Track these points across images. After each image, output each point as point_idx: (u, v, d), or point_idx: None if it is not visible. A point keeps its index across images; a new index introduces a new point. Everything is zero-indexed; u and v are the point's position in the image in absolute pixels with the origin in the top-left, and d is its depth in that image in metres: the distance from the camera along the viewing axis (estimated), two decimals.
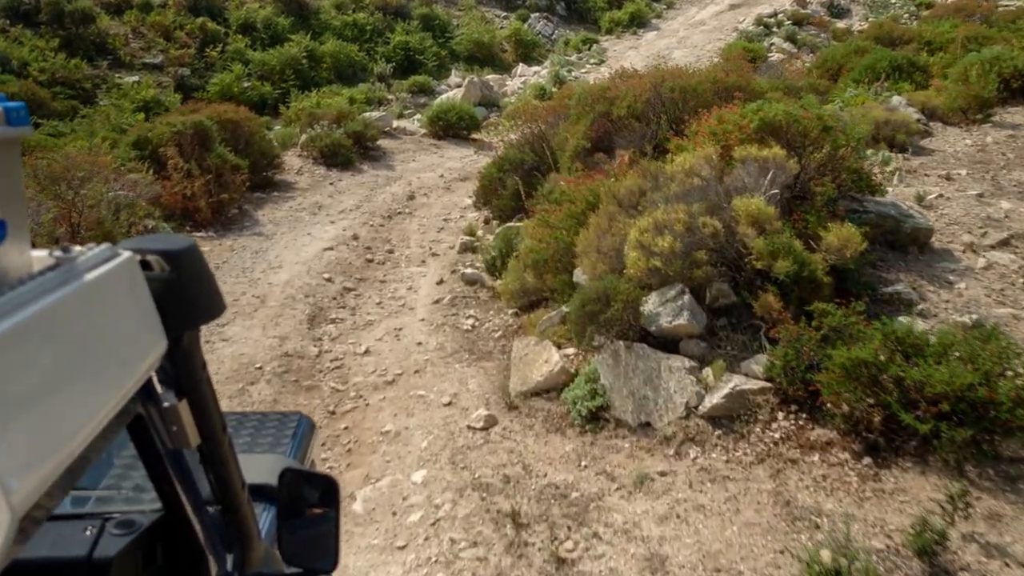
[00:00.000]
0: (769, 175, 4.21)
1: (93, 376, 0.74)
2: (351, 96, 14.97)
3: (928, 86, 9.16)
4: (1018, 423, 3.00)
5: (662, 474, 3.54)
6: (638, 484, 3.50)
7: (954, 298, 4.32)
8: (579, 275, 5.02)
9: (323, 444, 4.60)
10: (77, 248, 0.80)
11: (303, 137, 11.64)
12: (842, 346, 3.37)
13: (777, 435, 3.52)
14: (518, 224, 7.47)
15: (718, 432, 3.67)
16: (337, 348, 5.94)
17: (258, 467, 1.80)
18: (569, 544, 3.20)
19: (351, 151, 11.41)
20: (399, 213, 9.50)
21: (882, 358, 3.28)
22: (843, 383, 3.26)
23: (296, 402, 5.05)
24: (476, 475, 3.93)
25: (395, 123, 13.80)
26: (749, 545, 3.01)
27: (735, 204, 4.06)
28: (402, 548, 3.45)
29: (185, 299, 0.97)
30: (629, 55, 19.30)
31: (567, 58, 19.24)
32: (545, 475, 3.80)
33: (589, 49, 20.40)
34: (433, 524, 3.58)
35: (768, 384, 3.70)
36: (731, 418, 3.69)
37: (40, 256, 0.77)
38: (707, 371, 3.86)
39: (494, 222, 8.43)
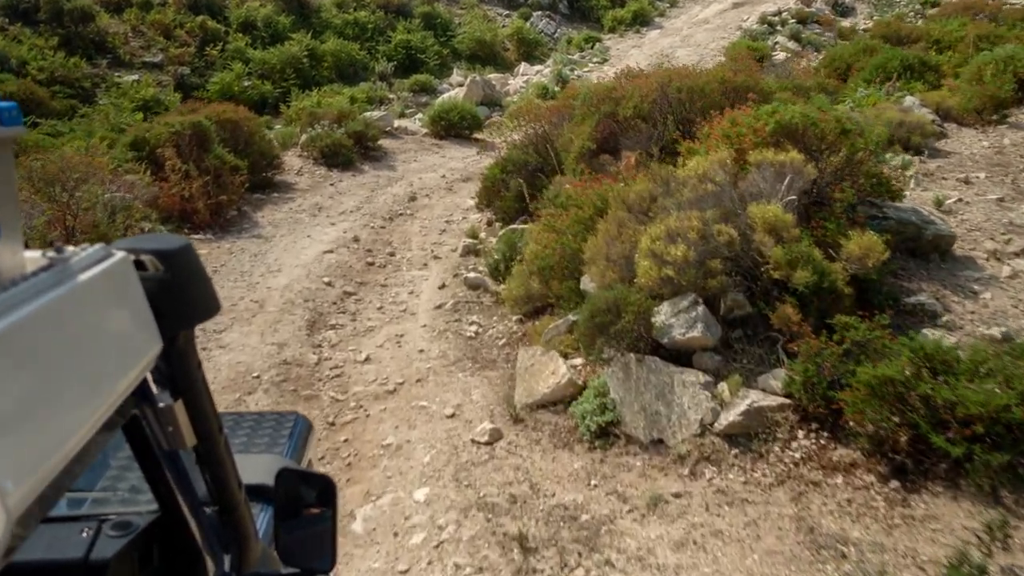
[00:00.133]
0: (786, 180, 4.04)
1: (88, 377, 0.74)
2: (352, 95, 14.80)
3: (940, 86, 8.97)
4: None
5: (676, 496, 3.38)
6: (651, 506, 3.34)
7: (979, 309, 4.14)
8: (586, 282, 4.85)
9: (322, 457, 4.45)
10: (71, 248, 0.79)
11: (303, 137, 11.48)
12: (867, 362, 3.20)
13: (797, 455, 3.35)
14: (522, 227, 7.31)
15: (735, 451, 3.50)
16: (337, 355, 5.78)
17: (255, 467, 1.80)
18: (580, 572, 3.04)
19: (352, 151, 11.25)
20: (400, 215, 9.33)
21: (908, 373, 3.12)
22: (868, 402, 3.09)
23: None
24: (481, 494, 3.77)
25: (396, 123, 13.63)
26: None
27: (751, 211, 3.89)
28: (404, 573, 3.29)
29: (180, 299, 0.96)
30: (632, 54, 19.12)
31: (570, 57, 19.05)
32: (553, 495, 3.64)
33: (592, 48, 20.20)
34: (437, 547, 3.42)
35: (787, 400, 3.53)
36: (748, 436, 3.53)
37: (33, 257, 0.76)
38: (722, 386, 3.70)
39: (497, 224, 8.27)
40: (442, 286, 6.89)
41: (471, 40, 19.66)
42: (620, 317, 3.87)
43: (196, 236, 8.21)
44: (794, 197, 4.00)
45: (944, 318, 3.98)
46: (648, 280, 3.92)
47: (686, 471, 3.51)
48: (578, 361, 4.61)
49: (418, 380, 5.24)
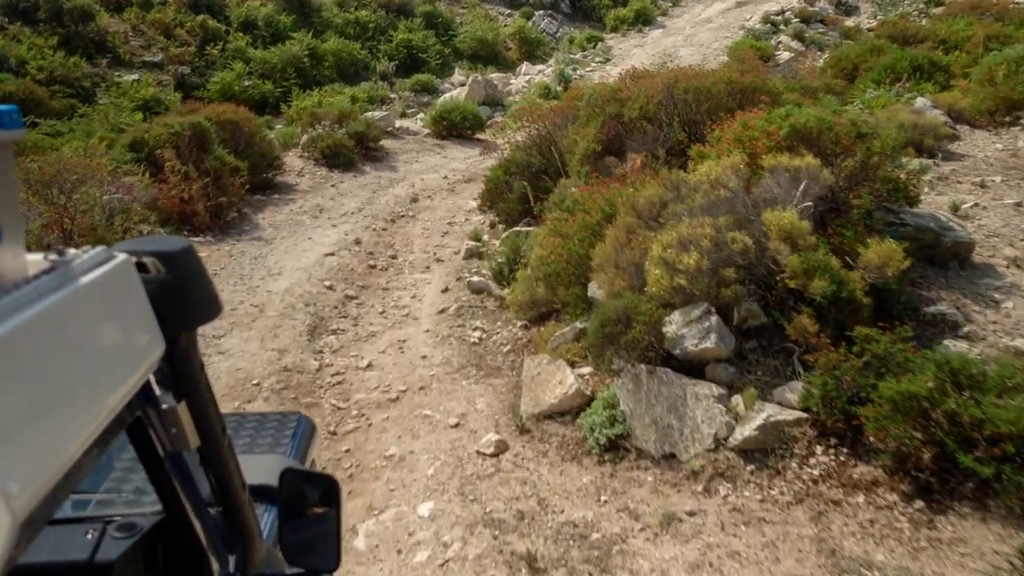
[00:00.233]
0: (801, 186, 3.92)
1: (91, 379, 0.74)
2: (353, 95, 14.69)
3: (950, 87, 8.84)
4: None
5: (691, 514, 3.26)
6: (664, 524, 3.22)
7: (1002, 319, 4.02)
8: (594, 289, 4.73)
9: (323, 468, 4.34)
10: (72, 251, 0.79)
11: (304, 138, 11.37)
12: (888, 376, 3.08)
13: (816, 472, 3.23)
14: (526, 229, 7.20)
15: (751, 467, 3.38)
16: (338, 362, 5.67)
17: (258, 468, 1.80)
18: None
19: (353, 152, 11.13)
20: (402, 216, 9.22)
21: (932, 387, 3.00)
22: (891, 418, 2.97)
23: None
24: (487, 509, 3.65)
25: (398, 123, 13.51)
26: None
27: (765, 218, 3.77)
28: None
29: (182, 301, 0.97)
30: (635, 53, 19.00)
31: (572, 56, 18.92)
32: (562, 511, 3.52)
33: (594, 47, 20.07)
34: (442, 565, 3.31)
35: (804, 415, 3.41)
36: (764, 452, 3.41)
37: (35, 260, 0.76)
38: (737, 399, 3.58)
39: (500, 226, 8.16)
40: (445, 290, 6.78)
41: (473, 39, 19.54)
42: (630, 327, 3.75)
43: (196, 239, 8.09)
44: (810, 203, 3.88)
45: (965, 328, 3.86)
46: (659, 289, 3.80)
47: (700, 488, 3.39)
48: (586, 370, 4.49)
49: (421, 388, 5.13)
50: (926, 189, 5.51)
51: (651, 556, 3.08)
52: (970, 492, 2.91)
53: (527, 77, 17.38)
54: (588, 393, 4.26)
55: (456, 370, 5.31)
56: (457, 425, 4.57)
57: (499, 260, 6.64)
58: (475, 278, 6.79)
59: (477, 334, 5.85)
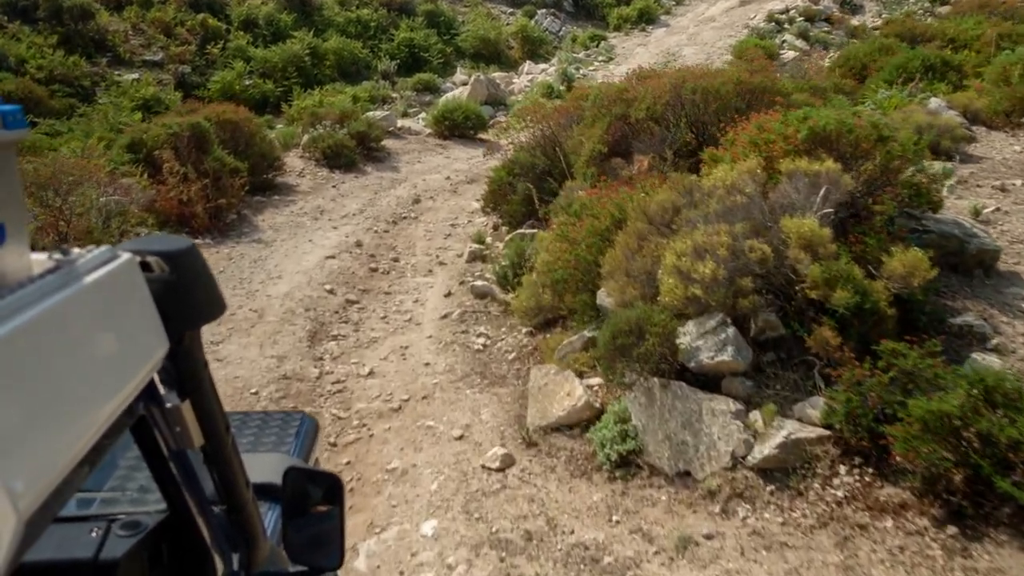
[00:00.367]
0: (821, 192, 3.76)
1: (95, 378, 0.74)
2: (354, 94, 14.54)
3: (963, 87, 8.66)
4: None
5: (708, 537, 3.10)
6: (680, 548, 3.06)
7: None
8: (603, 297, 4.57)
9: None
10: (77, 250, 0.80)
11: (305, 138, 11.22)
12: (918, 393, 2.92)
13: (840, 493, 3.07)
14: (530, 231, 7.04)
15: (770, 487, 3.22)
16: (339, 369, 5.52)
17: (262, 466, 1.80)
18: None
19: (354, 152, 10.98)
20: (404, 218, 9.07)
21: (963, 405, 2.84)
22: (921, 437, 2.82)
23: None
24: (493, 528, 3.50)
25: (399, 122, 13.35)
26: None
27: (784, 225, 3.61)
28: None
29: (185, 300, 0.97)
30: (638, 52, 18.83)
31: (575, 55, 18.74)
32: (572, 531, 3.37)
33: (597, 46, 19.90)
34: None
35: (826, 432, 3.25)
36: (784, 471, 3.25)
37: (39, 259, 0.77)
38: (755, 415, 3.42)
39: (504, 228, 8.00)
40: (448, 294, 6.63)
41: (475, 38, 19.38)
42: (643, 339, 3.59)
43: (194, 241, 7.95)
44: (831, 210, 3.72)
45: (994, 341, 3.69)
46: (673, 299, 3.64)
47: (717, 508, 3.23)
48: (594, 381, 4.33)
49: (424, 397, 4.98)
50: (944, 193, 5.35)
51: None
52: (1007, 518, 2.75)
53: (530, 76, 17.22)
54: (598, 406, 4.10)
55: (460, 378, 5.16)
56: (461, 437, 4.42)
57: (503, 264, 6.48)
58: (479, 282, 6.64)
59: (481, 340, 5.70)
